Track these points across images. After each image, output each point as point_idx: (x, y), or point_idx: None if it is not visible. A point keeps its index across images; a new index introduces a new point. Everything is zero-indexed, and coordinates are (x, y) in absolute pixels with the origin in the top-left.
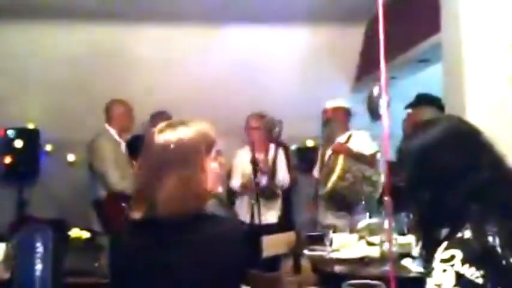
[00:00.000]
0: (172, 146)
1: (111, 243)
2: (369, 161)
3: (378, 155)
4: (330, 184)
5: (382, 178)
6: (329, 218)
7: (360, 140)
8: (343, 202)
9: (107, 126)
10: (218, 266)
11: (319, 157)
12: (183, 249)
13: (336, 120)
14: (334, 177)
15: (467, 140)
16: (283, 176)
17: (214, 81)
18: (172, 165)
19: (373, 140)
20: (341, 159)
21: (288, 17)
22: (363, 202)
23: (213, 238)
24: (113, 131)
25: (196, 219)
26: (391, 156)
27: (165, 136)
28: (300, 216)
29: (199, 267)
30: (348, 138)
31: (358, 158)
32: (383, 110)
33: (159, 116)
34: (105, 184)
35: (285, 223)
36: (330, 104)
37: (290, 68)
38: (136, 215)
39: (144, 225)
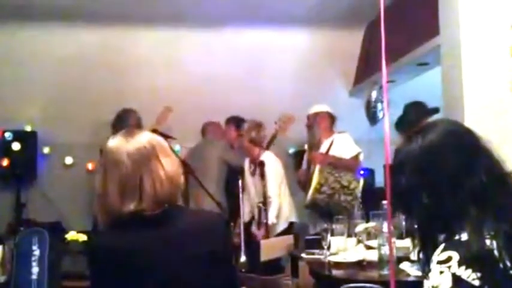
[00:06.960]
0: (144, 145)
1: (98, 242)
2: (350, 164)
3: (361, 156)
4: (308, 196)
5: (361, 184)
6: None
7: (342, 143)
8: (327, 211)
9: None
10: (209, 253)
11: (305, 162)
12: (173, 241)
13: (319, 125)
14: (311, 191)
15: (466, 144)
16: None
17: (213, 83)
18: (148, 162)
19: (358, 143)
20: (316, 171)
21: (287, 20)
22: (356, 210)
23: (198, 228)
24: None
25: (178, 212)
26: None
27: (127, 142)
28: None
29: (190, 255)
30: (331, 144)
31: (337, 165)
32: (384, 113)
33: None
34: None
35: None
36: (312, 110)
37: (289, 71)
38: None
39: (130, 221)
